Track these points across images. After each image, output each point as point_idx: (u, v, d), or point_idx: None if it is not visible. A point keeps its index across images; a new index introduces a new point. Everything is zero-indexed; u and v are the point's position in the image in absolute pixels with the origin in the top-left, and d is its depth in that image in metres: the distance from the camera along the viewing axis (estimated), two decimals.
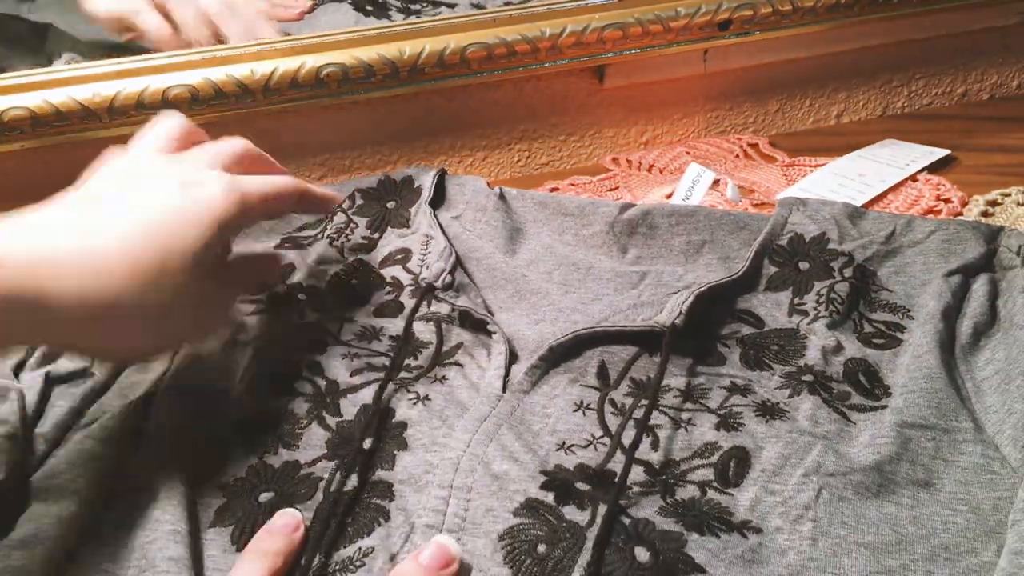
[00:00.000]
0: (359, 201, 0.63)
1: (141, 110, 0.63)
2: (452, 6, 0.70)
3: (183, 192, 0.43)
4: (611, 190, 0.73)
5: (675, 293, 0.51)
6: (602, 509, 0.40)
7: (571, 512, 0.40)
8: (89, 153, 0.65)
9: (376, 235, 0.60)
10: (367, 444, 0.44)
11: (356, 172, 0.74)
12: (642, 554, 0.38)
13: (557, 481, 0.41)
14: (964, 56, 0.84)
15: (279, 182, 0.49)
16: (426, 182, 0.63)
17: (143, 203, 0.42)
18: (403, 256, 0.57)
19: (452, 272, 0.54)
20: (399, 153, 0.74)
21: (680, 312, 0.48)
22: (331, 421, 0.46)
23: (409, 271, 0.56)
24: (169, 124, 0.48)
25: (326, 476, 0.43)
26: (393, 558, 0.39)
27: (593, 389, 0.47)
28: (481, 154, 0.77)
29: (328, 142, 0.73)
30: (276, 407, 0.47)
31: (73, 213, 0.42)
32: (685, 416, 0.45)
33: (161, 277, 0.41)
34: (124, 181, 0.44)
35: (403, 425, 0.45)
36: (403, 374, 0.49)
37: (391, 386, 0.48)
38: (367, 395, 0.47)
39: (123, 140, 0.65)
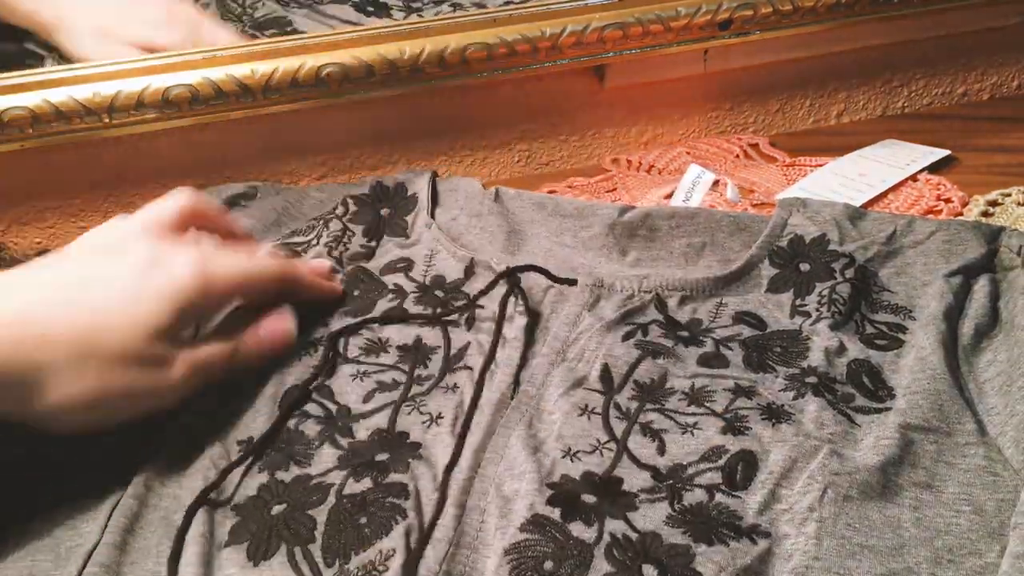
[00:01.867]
0: (352, 208, 0.61)
1: (141, 110, 0.62)
2: (455, 5, 0.70)
3: (146, 272, 0.43)
4: (609, 191, 0.73)
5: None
6: (609, 524, 0.39)
7: (578, 529, 0.39)
8: (89, 153, 0.66)
9: (373, 243, 0.59)
10: (381, 457, 0.44)
11: (356, 172, 0.74)
12: (649, 571, 0.37)
13: (563, 495, 0.41)
14: (964, 56, 0.84)
15: (255, 269, 0.49)
16: (421, 190, 0.62)
17: (105, 277, 0.43)
18: (405, 265, 0.57)
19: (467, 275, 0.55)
20: (399, 153, 0.74)
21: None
22: (343, 441, 0.45)
23: (412, 279, 0.56)
24: (175, 202, 0.48)
25: (338, 483, 0.43)
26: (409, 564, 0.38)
27: (597, 393, 0.47)
28: (481, 154, 0.77)
29: (328, 142, 0.72)
30: (286, 429, 0.46)
31: (32, 279, 0.43)
32: (691, 420, 0.45)
33: (98, 352, 0.41)
34: (95, 254, 0.45)
35: (417, 445, 0.45)
36: (415, 388, 0.48)
37: (404, 407, 0.47)
38: (380, 419, 0.47)
39: (123, 140, 0.66)
